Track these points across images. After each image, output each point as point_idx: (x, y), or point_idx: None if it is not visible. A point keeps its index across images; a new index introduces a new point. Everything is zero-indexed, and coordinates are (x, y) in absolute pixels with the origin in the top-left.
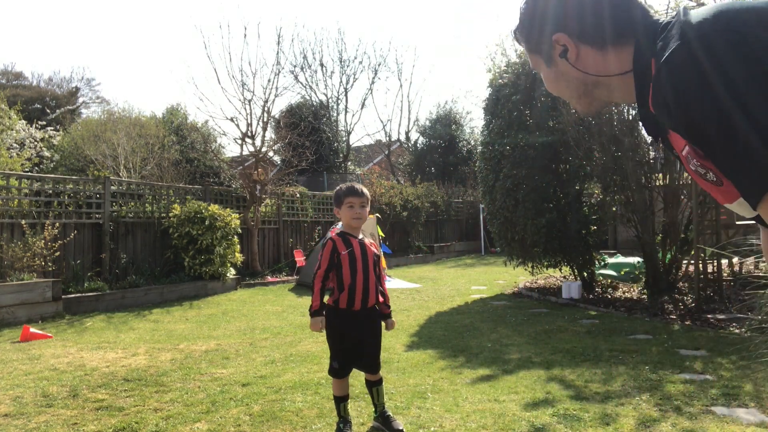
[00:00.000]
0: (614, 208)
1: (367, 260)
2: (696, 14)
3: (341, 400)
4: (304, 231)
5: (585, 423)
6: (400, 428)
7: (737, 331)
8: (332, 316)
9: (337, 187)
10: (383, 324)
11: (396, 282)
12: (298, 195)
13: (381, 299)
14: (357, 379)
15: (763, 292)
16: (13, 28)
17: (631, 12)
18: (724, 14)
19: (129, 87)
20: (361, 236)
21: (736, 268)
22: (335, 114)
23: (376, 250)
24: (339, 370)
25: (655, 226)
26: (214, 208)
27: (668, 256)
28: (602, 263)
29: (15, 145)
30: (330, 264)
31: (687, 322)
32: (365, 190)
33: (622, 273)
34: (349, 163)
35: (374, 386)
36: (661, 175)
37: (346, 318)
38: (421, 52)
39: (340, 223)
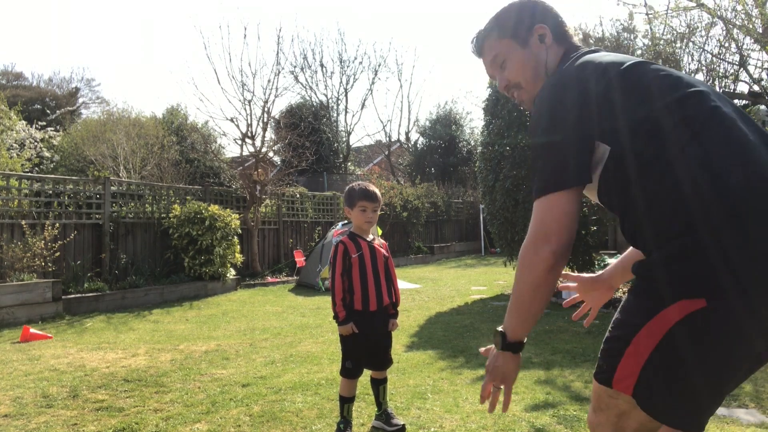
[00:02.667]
0: None
1: (377, 261)
2: (582, 59)
3: (347, 401)
4: (304, 231)
5: (585, 424)
6: (400, 424)
7: None
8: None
9: (350, 186)
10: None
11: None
12: (298, 195)
13: (393, 299)
14: (358, 380)
15: None
16: (13, 28)
17: (570, 34)
18: (597, 57)
19: (129, 87)
20: (370, 237)
21: None
22: (335, 114)
23: (385, 251)
24: (352, 371)
25: None
26: (214, 208)
27: None
28: (602, 264)
29: (15, 145)
30: (343, 268)
31: None
32: (378, 194)
33: None
34: (349, 163)
35: (380, 384)
36: None
37: (363, 319)
38: (422, 53)
39: (341, 223)
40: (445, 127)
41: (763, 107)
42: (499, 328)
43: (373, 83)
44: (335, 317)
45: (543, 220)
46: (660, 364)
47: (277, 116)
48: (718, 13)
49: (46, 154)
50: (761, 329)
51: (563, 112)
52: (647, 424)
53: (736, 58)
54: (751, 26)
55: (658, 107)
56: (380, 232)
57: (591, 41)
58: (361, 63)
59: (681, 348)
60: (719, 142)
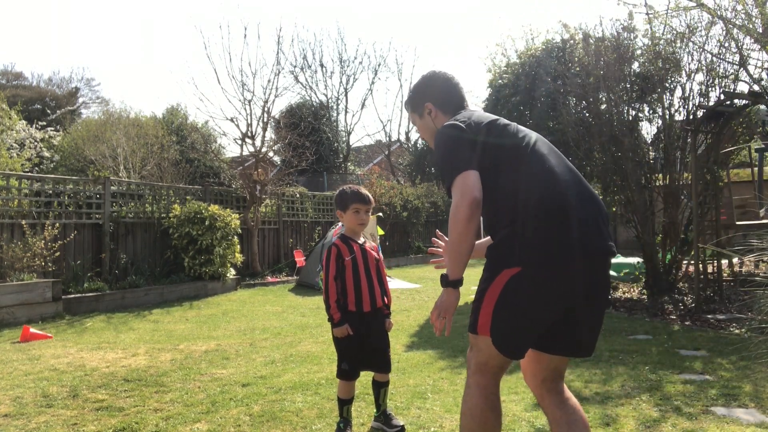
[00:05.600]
0: (614, 209)
1: (369, 264)
2: (458, 116)
3: (346, 403)
4: (304, 231)
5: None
6: (400, 425)
7: (737, 331)
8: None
9: (341, 189)
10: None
11: (396, 282)
12: (298, 195)
13: (385, 300)
14: (357, 380)
15: (762, 291)
16: (13, 28)
17: (459, 98)
18: (462, 117)
19: (129, 87)
20: (362, 239)
21: (736, 268)
22: (335, 114)
23: (376, 254)
24: (348, 372)
25: (655, 226)
26: (214, 208)
27: (668, 256)
28: None
29: (15, 145)
30: (336, 271)
31: (687, 323)
32: (370, 196)
33: (622, 273)
34: (349, 163)
35: (382, 387)
36: (661, 175)
37: (355, 320)
38: (422, 53)
39: (340, 223)
40: None
41: (763, 107)
42: (442, 272)
43: (373, 83)
44: (330, 319)
45: (461, 187)
46: (500, 311)
47: (277, 116)
48: (718, 13)
49: (46, 153)
50: (562, 285)
51: (459, 133)
52: (504, 362)
53: (736, 58)
54: (751, 26)
55: (508, 144)
56: (381, 232)
57: (591, 41)
58: (361, 63)
59: (509, 299)
60: (538, 170)
